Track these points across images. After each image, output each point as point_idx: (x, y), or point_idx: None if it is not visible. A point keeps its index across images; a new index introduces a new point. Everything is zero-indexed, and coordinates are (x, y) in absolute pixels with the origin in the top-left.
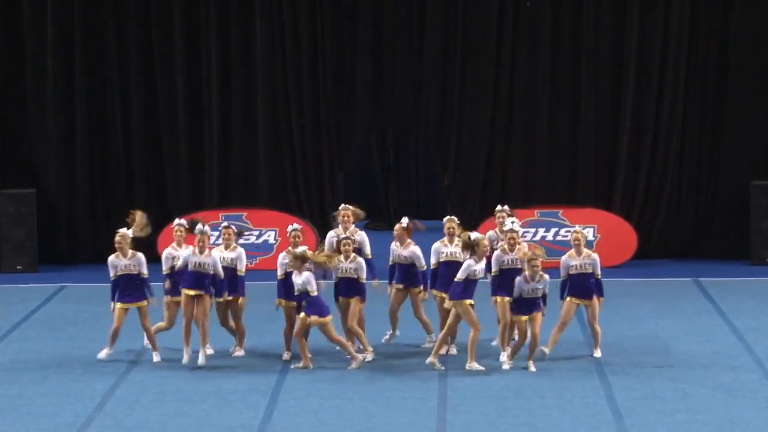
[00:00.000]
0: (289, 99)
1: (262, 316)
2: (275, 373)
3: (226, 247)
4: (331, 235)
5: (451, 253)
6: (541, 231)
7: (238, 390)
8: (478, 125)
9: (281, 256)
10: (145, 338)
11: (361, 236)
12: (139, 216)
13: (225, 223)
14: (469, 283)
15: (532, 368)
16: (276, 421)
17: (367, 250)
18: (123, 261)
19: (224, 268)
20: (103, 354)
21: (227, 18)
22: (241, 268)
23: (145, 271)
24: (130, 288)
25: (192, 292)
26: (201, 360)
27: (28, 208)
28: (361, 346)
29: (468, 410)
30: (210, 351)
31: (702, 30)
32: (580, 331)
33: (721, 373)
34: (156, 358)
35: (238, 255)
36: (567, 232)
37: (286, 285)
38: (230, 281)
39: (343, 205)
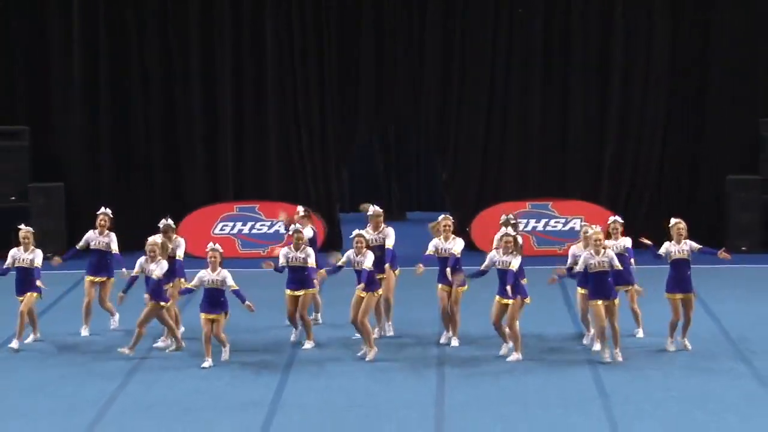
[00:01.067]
0: (297, 99)
1: (273, 302)
2: (285, 354)
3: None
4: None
5: (445, 250)
6: (533, 222)
7: (251, 370)
8: (475, 125)
9: (284, 251)
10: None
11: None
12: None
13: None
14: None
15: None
16: (286, 398)
17: (390, 242)
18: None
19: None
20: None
21: (240, 24)
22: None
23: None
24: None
25: (211, 316)
26: (225, 356)
27: (57, 200)
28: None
29: (465, 390)
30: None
31: (683, 38)
32: (572, 324)
33: (698, 355)
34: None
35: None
36: (556, 222)
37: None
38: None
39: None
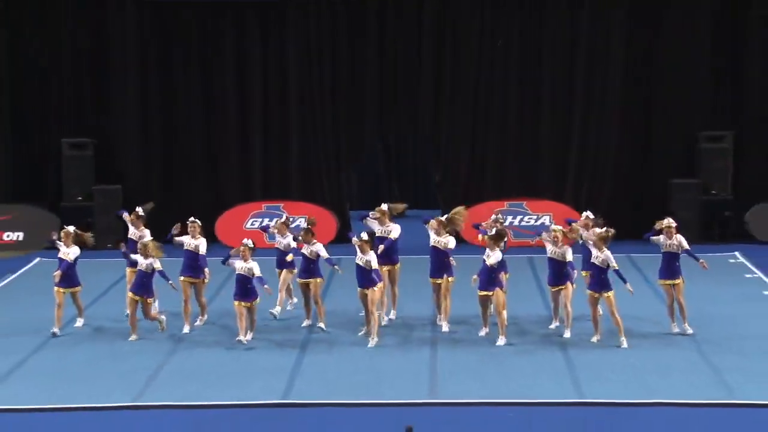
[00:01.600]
0: (315, 116)
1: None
2: (301, 334)
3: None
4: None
5: (437, 241)
6: (510, 218)
7: (274, 344)
8: (462, 136)
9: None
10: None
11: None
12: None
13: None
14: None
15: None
16: (305, 366)
17: (395, 234)
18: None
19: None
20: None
21: (266, 52)
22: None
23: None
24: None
25: (245, 304)
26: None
27: (115, 200)
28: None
29: (453, 360)
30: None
31: (633, 63)
32: (544, 308)
33: (652, 330)
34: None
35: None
36: (529, 218)
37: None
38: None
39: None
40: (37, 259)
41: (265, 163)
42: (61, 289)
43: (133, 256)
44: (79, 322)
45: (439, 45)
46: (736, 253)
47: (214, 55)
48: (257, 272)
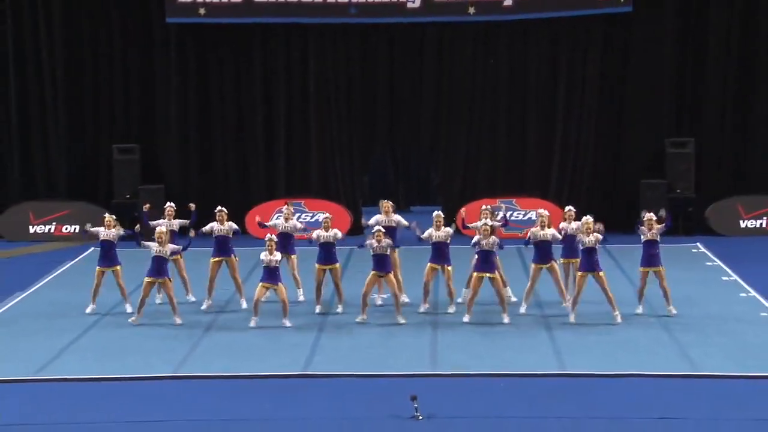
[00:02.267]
0: (332, 123)
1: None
2: (323, 316)
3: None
4: (378, 219)
5: (438, 236)
6: (500, 213)
7: (295, 324)
8: (458, 143)
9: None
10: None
11: (397, 217)
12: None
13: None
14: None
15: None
16: (323, 342)
17: (404, 222)
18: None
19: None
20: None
21: (290, 70)
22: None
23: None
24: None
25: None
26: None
27: (159, 199)
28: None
29: (451, 337)
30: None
31: (607, 76)
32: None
33: (620, 308)
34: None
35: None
36: (518, 213)
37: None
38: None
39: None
40: (91, 249)
41: (288, 166)
42: (103, 269)
43: (147, 243)
44: (128, 308)
45: (437, 66)
46: (698, 243)
47: (245, 72)
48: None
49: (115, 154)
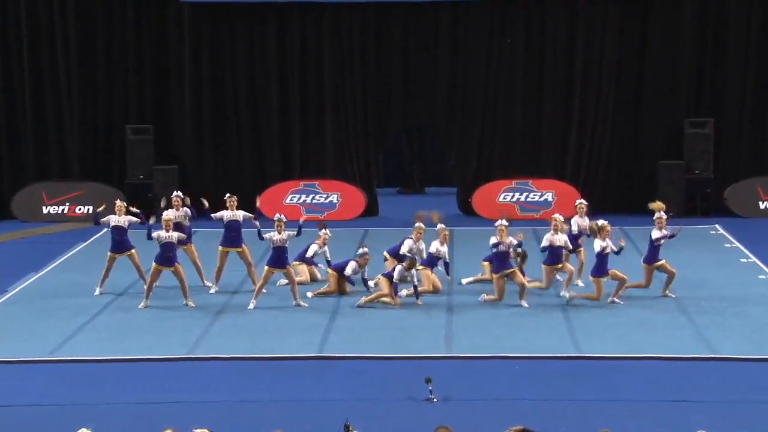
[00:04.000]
0: (347, 104)
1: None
2: (339, 297)
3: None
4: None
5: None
6: (517, 195)
7: (309, 306)
8: (473, 124)
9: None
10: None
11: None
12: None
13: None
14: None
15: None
16: (338, 323)
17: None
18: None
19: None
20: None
21: (304, 50)
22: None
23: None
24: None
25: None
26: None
27: (172, 179)
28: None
29: (466, 319)
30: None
31: (626, 54)
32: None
33: (637, 291)
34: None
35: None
36: (534, 195)
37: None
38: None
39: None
40: (104, 230)
41: (302, 146)
42: (116, 255)
43: (157, 233)
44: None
45: (453, 45)
46: (717, 225)
47: (259, 51)
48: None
49: (129, 134)
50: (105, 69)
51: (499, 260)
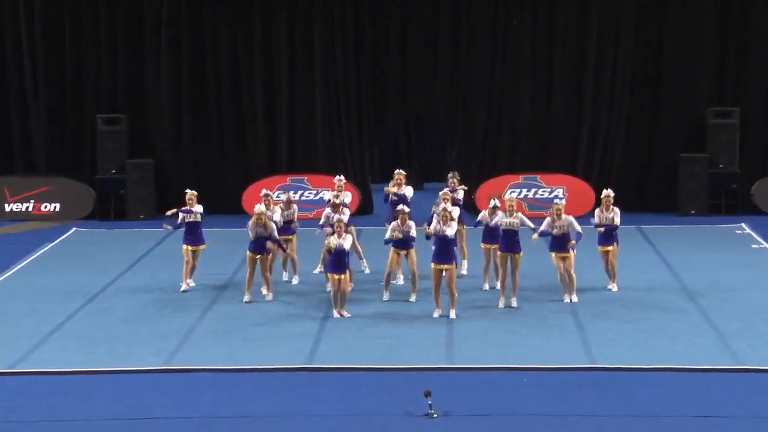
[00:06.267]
0: (339, 93)
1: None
2: (323, 297)
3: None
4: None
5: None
6: (524, 191)
7: (301, 307)
8: (476, 114)
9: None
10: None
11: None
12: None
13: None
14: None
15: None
16: (328, 330)
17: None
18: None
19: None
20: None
21: (293, 35)
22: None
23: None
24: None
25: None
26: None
27: (148, 173)
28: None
29: (468, 325)
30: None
31: (642, 42)
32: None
33: (656, 295)
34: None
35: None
36: (543, 191)
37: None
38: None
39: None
40: (74, 229)
41: (290, 138)
42: (190, 247)
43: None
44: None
45: (454, 26)
46: (743, 224)
47: (243, 33)
48: (275, 235)
49: (100, 124)
50: (73, 51)
51: (505, 238)
